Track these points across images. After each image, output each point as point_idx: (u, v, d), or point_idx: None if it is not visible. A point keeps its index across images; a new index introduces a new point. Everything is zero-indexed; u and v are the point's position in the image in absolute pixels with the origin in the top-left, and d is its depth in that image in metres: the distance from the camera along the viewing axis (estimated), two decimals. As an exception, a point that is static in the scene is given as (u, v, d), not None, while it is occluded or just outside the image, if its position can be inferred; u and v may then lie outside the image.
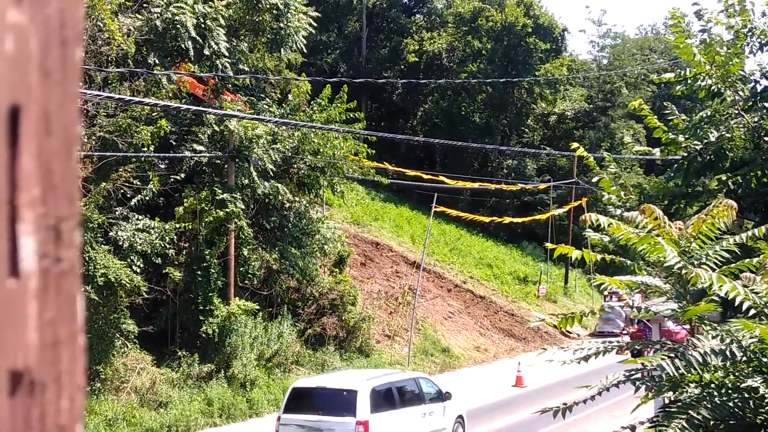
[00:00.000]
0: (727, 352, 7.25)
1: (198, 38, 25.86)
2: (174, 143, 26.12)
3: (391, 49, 65.62)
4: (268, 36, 29.03)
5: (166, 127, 23.87)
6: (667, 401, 8.36)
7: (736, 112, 11.95)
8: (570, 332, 42.17)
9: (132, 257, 22.78)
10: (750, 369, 7.60)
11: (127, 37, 23.89)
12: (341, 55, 64.71)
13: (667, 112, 12.45)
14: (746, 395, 7.38)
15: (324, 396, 17.96)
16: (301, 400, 17.89)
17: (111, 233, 22.75)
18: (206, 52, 26.32)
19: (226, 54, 26.99)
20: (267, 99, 29.87)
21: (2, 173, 0.72)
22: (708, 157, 11.66)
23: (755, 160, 11.51)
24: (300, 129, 28.03)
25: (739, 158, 11.70)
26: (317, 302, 30.17)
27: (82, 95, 19.06)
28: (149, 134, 22.99)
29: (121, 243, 22.77)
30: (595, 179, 11.26)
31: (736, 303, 7.11)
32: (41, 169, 0.75)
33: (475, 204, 57.48)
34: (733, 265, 8.03)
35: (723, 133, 11.62)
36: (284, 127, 27.85)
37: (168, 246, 23.84)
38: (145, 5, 26.21)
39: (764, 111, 11.71)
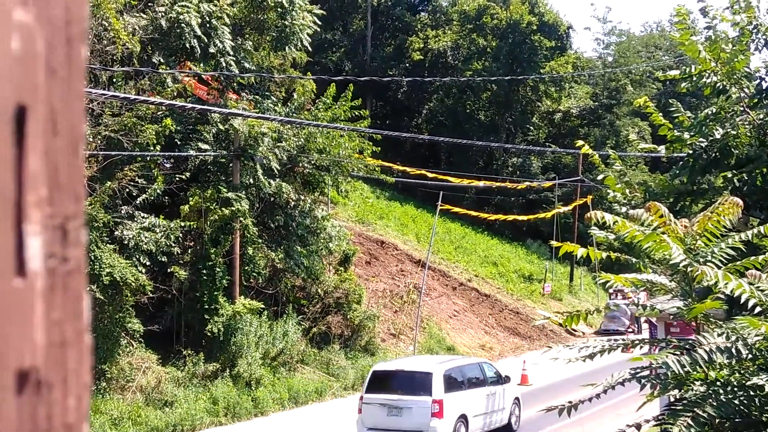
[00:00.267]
0: (733, 350, 7.24)
1: (203, 37, 25.88)
2: (179, 142, 26.13)
3: (396, 47, 65.62)
4: (273, 34, 29.04)
5: (171, 126, 23.89)
6: (672, 399, 8.36)
7: (742, 109, 11.92)
8: (575, 330, 42.14)
9: (137, 256, 22.80)
10: (756, 367, 7.59)
11: (132, 36, 23.91)
12: (346, 54, 64.74)
13: (672, 109, 12.44)
14: (752, 393, 7.36)
15: (402, 378, 20.12)
16: (381, 382, 20.10)
17: (116, 232, 22.78)
18: (211, 50, 26.33)
19: (231, 52, 27.01)
20: (272, 98, 29.88)
21: (9, 173, 0.72)
22: (713, 155, 11.64)
23: (761, 157, 11.49)
24: (305, 128, 28.04)
25: (745, 155, 11.67)
26: (322, 301, 30.18)
27: (87, 94, 19.07)
28: (154, 133, 23.00)
29: (126, 242, 22.80)
30: (600, 177, 11.25)
31: (742, 300, 7.10)
32: (48, 169, 0.75)
33: (480, 202, 57.46)
34: (738, 262, 8.01)
35: (728, 130, 11.59)
36: (289, 127, 27.85)
37: (173, 244, 23.87)
38: (149, 4, 26.24)
39: (770, 108, 11.69)
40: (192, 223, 24.57)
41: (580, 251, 8.30)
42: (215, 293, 24.87)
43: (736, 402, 7.31)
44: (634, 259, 9.20)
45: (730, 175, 11.70)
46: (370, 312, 31.24)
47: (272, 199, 28.22)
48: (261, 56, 29.26)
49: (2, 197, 0.71)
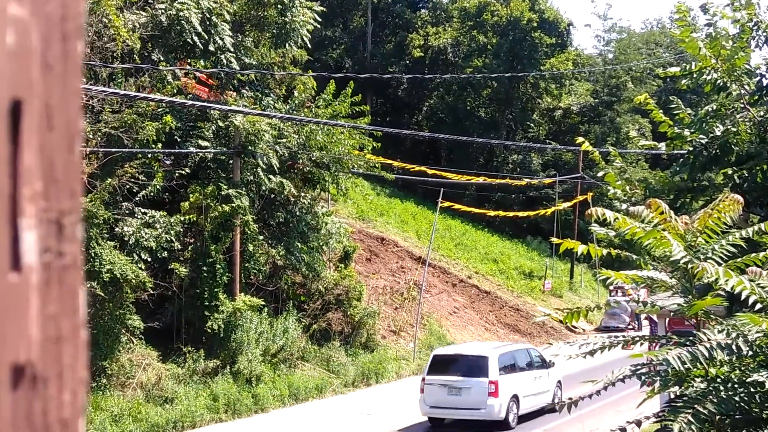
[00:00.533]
0: (733, 347, 7.24)
1: (203, 34, 25.88)
2: (179, 139, 26.13)
3: (396, 44, 65.59)
4: (273, 31, 29.03)
5: (171, 123, 23.89)
6: (672, 396, 8.36)
7: (742, 106, 11.93)
8: (575, 327, 42.10)
9: (138, 252, 22.81)
10: (756, 363, 7.60)
11: (132, 33, 23.90)
12: (346, 51, 64.71)
13: (672, 106, 12.43)
14: (752, 390, 7.37)
15: (461, 361, 22.58)
16: (441, 365, 22.55)
17: (117, 229, 22.79)
18: (211, 48, 26.33)
19: (231, 49, 27.01)
20: (272, 95, 29.87)
21: (4, 167, 0.72)
22: (714, 152, 11.64)
23: (761, 154, 11.48)
24: (306, 126, 28.05)
25: (745, 152, 11.67)
26: (323, 298, 30.18)
27: (87, 91, 19.09)
28: (154, 130, 23.00)
29: (126, 238, 22.80)
30: (600, 174, 11.24)
31: (743, 297, 7.10)
32: (43, 164, 0.75)
33: (481, 199, 57.45)
34: (739, 259, 8.01)
35: (729, 127, 11.59)
36: (289, 124, 27.85)
37: (173, 240, 23.87)
38: (149, 1, 26.23)
39: (770, 105, 11.69)
40: (192, 216, 24.57)
41: (581, 248, 8.30)
42: (215, 290, 24.87)
43: (737, 399, 7.32)
44: (634, 256, 9.20)
45: (730, 172, 11.71)
46: (370, 309, 31.25)
47: (272, 196, 28.22)
48: (261, 53, 29.25)
49: (-3, 192, 0.71)
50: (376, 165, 33.30)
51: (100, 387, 21.51)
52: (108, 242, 21.88)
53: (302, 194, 29.57)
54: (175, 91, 24.51)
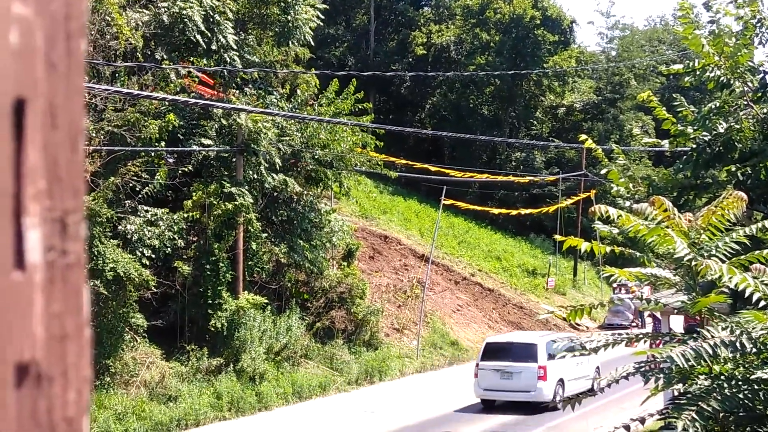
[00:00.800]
0: (737, 344, 7.23)
1: (206, 32, 25.88)
2: (182, 137, 26.14)
3: (399, 42, 65.57)
4: (276, 29, 29.02)
5: (174, 121, 23.90)
6: (676, 393, 8.35)
7: (745, 103, 11.91)
8: (579, 324, 42.10)
9: (141, 250, 22.82)
10: (760, 360, 7.59)
11: (135, 31, 23.91)
12: (349, 49, 64.70)
13: (675, 103, 12.42)
14: (756, 387, 7.37)
15: (511, 348, 24.40)
16: (494, 352, 24.34)
17: (120, 227, 22.80)
18: (214, 46, 26.33)
19: (234, 47, 27.00)
20: (275, 93, 29.87)
21: (7, 166, 0.72)
22: (717, 149, 11.62)
23: (764, 150, 11.47)
24: (309, 125, 28.05)
25: (748, 149, 11.66)
26: (326, 295, 30.18)
27: (90, 89, 19.11)
28: (157, 128, 23.01)
29: (130, 236, 22.81)
30: (603, 171, 11.24)
31: (746, 294, 7.09)
32: (47, 162, 0.75)
33: (484, 197, 57.45)
34: (743, 256, 8.00)
35: (732, 124, 11.58)
36: (292, 122, 27.85)
37: (176, 238, 23.88)
38: (152, 0, 26.24)
39: (773, 102, 11.67)
40: (195, 214, 24.58)
41: (584, 245, 8.30)
42: (219, 288, 24.88)
43: (741, 396, 7.31)
44: (637, 254, 9.19)
45: (733, 169, 11.69)
46: (373, 306, 31.25)
47: (275, 193, 28.22)
48: (264, 51, 29.25)
49: (1, 190, 0.71)
50: (379, 163, 33.28)
51: (104, 385, 21.53)
52: (111, 240, 21.89)
53: (305, 192, 29.57)
54: (178, 89, 24.52)
